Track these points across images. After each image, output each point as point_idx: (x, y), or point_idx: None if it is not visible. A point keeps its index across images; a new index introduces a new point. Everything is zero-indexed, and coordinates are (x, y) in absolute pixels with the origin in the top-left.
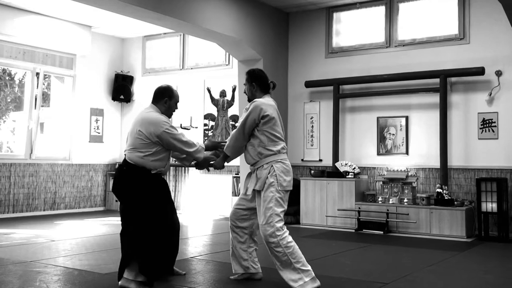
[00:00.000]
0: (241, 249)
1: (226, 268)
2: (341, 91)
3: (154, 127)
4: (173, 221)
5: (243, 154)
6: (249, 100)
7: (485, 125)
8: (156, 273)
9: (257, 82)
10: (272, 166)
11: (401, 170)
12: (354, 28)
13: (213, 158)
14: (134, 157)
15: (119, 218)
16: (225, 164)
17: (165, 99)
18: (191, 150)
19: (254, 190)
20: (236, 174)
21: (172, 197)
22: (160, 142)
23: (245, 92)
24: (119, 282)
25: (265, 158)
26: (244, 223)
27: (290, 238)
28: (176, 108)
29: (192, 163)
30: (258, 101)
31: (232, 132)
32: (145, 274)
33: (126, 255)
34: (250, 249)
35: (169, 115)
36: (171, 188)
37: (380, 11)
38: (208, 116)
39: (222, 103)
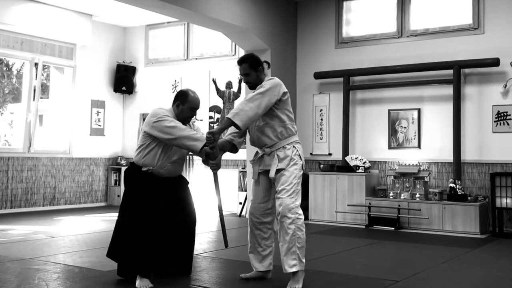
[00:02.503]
0: (265, 245)
1: (232, 266)
2: (351, 83)
3: (148, 119)
4: (168, 222)
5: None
6: (254, 87)
7: (500, 118)
8: (149, 270)
9: (262, 65)
10: (294, 146)
11: (413, 165)
12: (365, 17)
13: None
14: (134, 153)
15: None
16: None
17: (177, 102)
18: (182, 134)
19: (265, 174)
20: (242, 168)
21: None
22: (153, 135)
23: (248, 82)
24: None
25: (286, 139)
26: (268, 217)
27: (304, 224)
28: (191, 114)
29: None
30: (276, 78)
31: (249, 100)
32: (136, 270)
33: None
34: (273, 244)
35: (181, 120)
36: None
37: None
38: (213, 109)
39: (228, 95)
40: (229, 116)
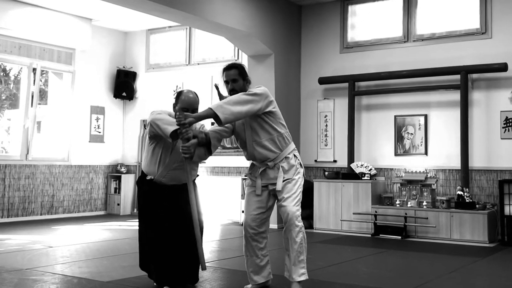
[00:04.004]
0: (262, 255)
1: (234, 276)
2: (356, 88)
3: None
4: (169, 229)
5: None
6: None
7: (508, 124)
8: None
9: (248, 76)
10: (294, 155)
11: (420, 172)
12: (370, 21)
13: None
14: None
15: (122, 223)
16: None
17: (173, 104)
18: (159, 117)
19: (267, 187)
20: (245, 176)
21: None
22: (148, 133)
23: (233, 90)
24: None
25: (286, 149)
26: (264, 227)
27: None
28: None
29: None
30: (265, 87)
31: (237, 97)
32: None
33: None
34: (268, 253)
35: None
36: None
37: (397, 3)
38: None
39: None
40: (211, 106)
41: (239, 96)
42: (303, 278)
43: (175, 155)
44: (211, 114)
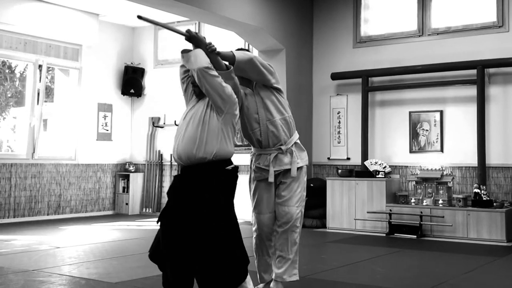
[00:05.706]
0: (272, 253)
1: None
2: (370, 84)
3: None
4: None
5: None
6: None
7: None
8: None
9: None
10: (298, 141)
11: (435, 169)
12: (384, 15)
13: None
14: None
15: (130, 223)
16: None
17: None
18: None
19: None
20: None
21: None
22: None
23: None
24: None
25: (294, 134)
26: (275, 225)
27: None
28: None
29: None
30: None
31: (262, 61)
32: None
33: None
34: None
35: None
36: None
37: None
38: None
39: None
40: (234, 52)
41: (262, 61)
42: (294, 278)
43: (186, 120)
44: (230, 55)
